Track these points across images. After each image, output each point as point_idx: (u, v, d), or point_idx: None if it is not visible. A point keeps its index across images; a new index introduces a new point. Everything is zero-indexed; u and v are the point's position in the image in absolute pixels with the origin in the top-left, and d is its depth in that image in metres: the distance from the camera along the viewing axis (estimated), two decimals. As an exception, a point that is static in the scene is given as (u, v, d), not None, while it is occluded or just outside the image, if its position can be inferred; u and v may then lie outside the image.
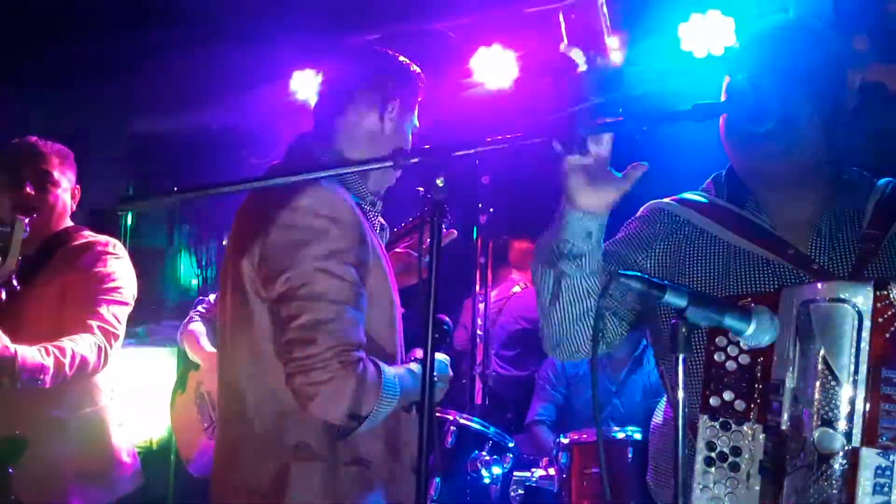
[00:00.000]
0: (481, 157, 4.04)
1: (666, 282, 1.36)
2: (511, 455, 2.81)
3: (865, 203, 1.61)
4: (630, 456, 2.64)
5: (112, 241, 2.62)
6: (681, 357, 1.29)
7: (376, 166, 1.63)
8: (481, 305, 4.87)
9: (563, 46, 1.40)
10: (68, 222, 2.65)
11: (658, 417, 1.78)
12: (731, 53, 1.72)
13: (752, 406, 1.35)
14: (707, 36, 3.84)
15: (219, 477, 1.82)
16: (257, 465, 1.72)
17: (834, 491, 1.21)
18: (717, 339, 1.39)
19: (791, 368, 1.31)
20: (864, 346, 1.23)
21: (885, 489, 1.20)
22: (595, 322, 1.54)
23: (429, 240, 1.34)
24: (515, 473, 2.89)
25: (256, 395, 1.74)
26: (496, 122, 4.07)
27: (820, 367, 1.26)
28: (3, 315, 2.25)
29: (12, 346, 2.22)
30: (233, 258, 1.79)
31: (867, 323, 1.23)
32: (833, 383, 1.24)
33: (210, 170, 5.29)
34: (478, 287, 5.00)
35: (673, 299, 1.32)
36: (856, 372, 1.23)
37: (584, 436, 2.75)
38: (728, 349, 1.38)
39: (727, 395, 1.37)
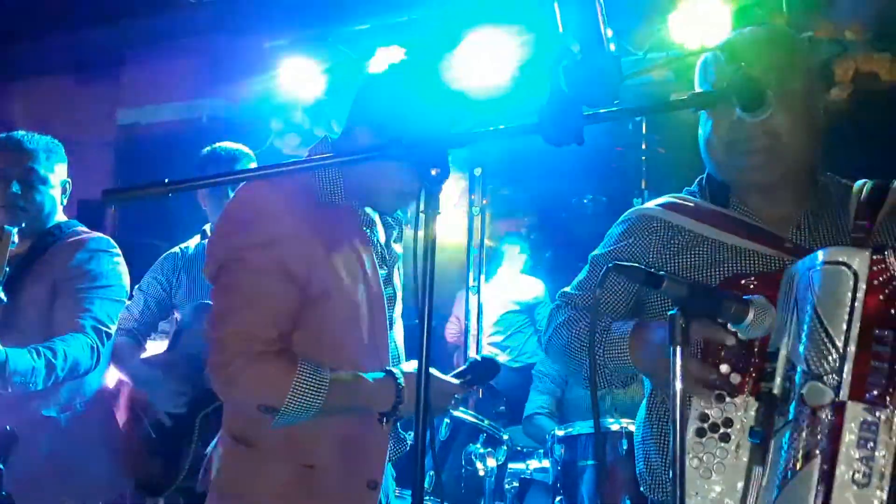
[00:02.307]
0: (474, 148, 4.03)
1: (663, 273, 1.36)
2: (505, 447, 2.80)
3: (842, 202, 1.67)
4: (625, 447, 2.63)
5: (104, 237, 2.58)
6: (678, 349, 1.29)
7: (367, 156, 1.59)
8: (475, 298, 4.86)
9: (557, 36, 1.38)
10: (61, 217, 2.61)
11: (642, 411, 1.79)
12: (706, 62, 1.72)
13: (748, 379, 1.39)
14: (700, 27, 3.84)
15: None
16: (220, 437, 1.77)
17: (820, 441, 1.23)
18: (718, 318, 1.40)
19: (787, 335, 1.34)
20: (858, 305, 1.27)
21: (870, 444, 1.22)
22: (592, 315, 1.53)
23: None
24: (510, 466, 2.88)
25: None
26: (490, 112, 4.06)
27: (814, 324, 1.29)
28: None
29: (2, 351, 2.19)
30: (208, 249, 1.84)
31: (862, 284, 1.27)
32: (825, 340, 1.27)
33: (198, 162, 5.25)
34: (471, 279, 5.00)
35: (672, 290, 1.32)
36: (848, 329, 1.26)
37: (579, 428, 2.74)
38: (728, 324, 1.39)
39: (724, 368, 1.40)
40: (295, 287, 1.65)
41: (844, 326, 1.26)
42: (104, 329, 2.44)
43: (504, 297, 5.41)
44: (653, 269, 1.35)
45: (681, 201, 1.74)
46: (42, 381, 2.25)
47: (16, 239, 2.19)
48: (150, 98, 5.42)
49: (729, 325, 1.39)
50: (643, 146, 4.61)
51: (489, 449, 2.75)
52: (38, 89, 5.09)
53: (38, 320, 2.39)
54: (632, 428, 2.61)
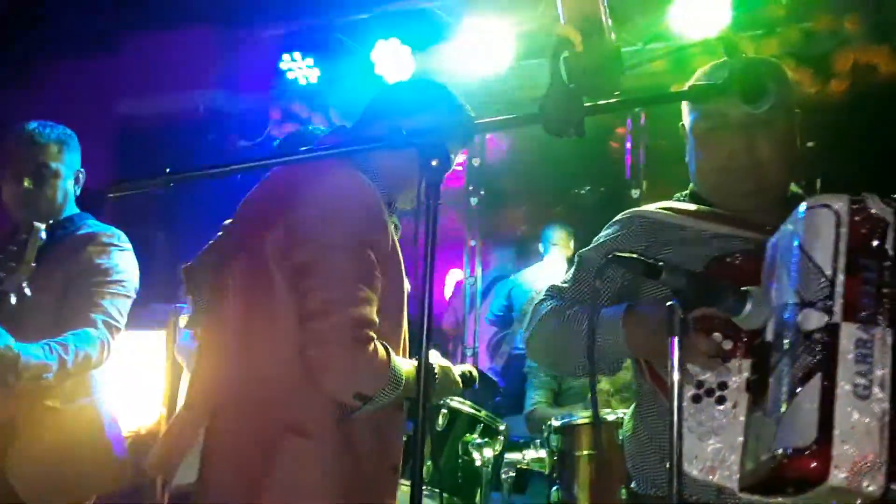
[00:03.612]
0: (471, 139, 4.02)
1: (662, 263, 1.37)
2: (502, 438, 2.81)
3: None
4: (620, 437, 2.64)
5: (116, 231, 2.57)
6: (676, 340, 1.29)
7: (368, 146, 1.61)
8: (471, 288, 4.87)
9: (558, 26, 1.38)
10: (73, 209, 2.59)
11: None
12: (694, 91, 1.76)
13: (739, 344, 1.42)
14: (700, 17, 3.83)
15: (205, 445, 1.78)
16: (249, 435, 1.71)
17: (819, 360, 1.26)
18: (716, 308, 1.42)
19: (776, 287, 1.38)
20: (843, 237, 1.31)
21: (868, 360, 1.25)
22: (591, 305, 1.54)
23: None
24: (507, 456, 2.88)
25: (263, 363, 1.74)
26: (491, 103, 4.07)
27: (802, 259, 1.33)
28: (9, 314, 2.22)
29: (15, 347, 2.19)
30: (250, 235, 1.80)
31: (845, 219, 1.32)
32: (814, 271, 1.31)
33: (196, 152, 5.25)
34: (469, 270, 5.01)
35: (670, 280, 1.33)
36: (835, 259, 1.30)
37: (575, 418, 2.75)
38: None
39: (715, 337, 1.42)
40: (380, 275, 1.72)
41: (831, 257, 1.30)
42: (114, 324, 2.43)
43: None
44: (651, 260, 1.36)
45: (671, 203, 1.79)
46: (53, 377, 2.25)
47: (43, 235, 2.19)
48: (147, 87, 5.40)
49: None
50: (642, 138, 4.61)
51: (486, 439, 2.75)
52: (36, 75, 5.07)
53: (50, 313, 2.38)
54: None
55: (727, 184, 1.72)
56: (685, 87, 1.74)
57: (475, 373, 2.08)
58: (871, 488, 1.20)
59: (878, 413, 1.23)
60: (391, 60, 4.60)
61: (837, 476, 1.19)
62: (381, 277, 1.72)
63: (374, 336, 1.68)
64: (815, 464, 1.20)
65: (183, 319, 3.27)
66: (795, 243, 1.35)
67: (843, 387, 1.23)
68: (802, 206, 1.37)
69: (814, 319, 1.28)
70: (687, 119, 1.78)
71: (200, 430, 1.77)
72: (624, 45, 3.88)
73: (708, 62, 1.79)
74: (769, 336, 1.37)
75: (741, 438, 1.38)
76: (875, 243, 1.31)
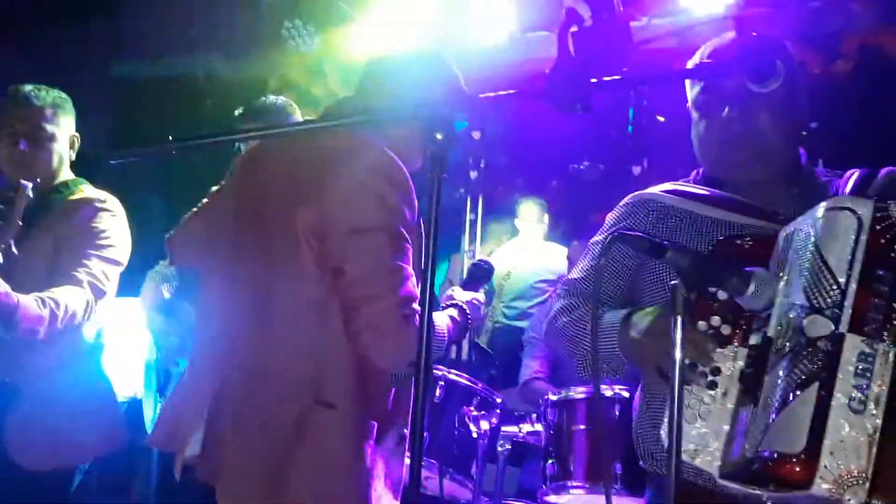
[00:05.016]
0: (472, 112, 4.00)
1: (667, 242, 1.37)
2: (498, 410, 2.83)
3: (828, 189, 1.71)
4: (617, 414, 2.66)
5: (109, 197, 2.57)
6: (679, 320, 1.30)
7: (373, 118, 1.59)
8: (469, 262, 4.86)
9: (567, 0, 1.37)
10: (67, 174, 2.59)
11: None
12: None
13: (738, 331, 1.41)
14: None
15: (221, 415, 1.78)
16: (275, 408, 1.74)
17: (818, 369, 1.25)
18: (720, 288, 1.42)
19: (785, 281, 1.36)
20: (861, 245, 1.30)
21: (867, 374, 1.25)
22: (595, 282, 1.54)
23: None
24: (503, 429, 2.90)
25: (286, 337, 1.77)
26: (494, 77, 4.02)
27: (815, 261, 1.31)
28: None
29: (14, 296, 2.20)
30: (275, 210, 1.81)
31: (866, 226, 1.30)
32: (827, 275, 1.30)
33: (194, 118, 5.20)
34: (467, 243, 5.00)
35: (675, 260, 1.33)
36: (850, 267, 1.29)
37: (573, 393, 2.77)
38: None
39: (714, 321, 1.42)
40: (412, 252, 1.78)
41: (846, 264, 1.29)
42: (99, 287, 2.43)
43: (532, 265, 5.18)
44: (656, 239, 1.35)
45: (677, 186, 1.78)
46: (44, 331, 2.26)
47: (30, 194, 2.21)
48: (145, 52, 5.34)
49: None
50: (644, 114, 4.58)
51: (483, 412, 2.76)
52: (33, 38, 5.00)
53: (41, 274, 2.39)
54: (625, 394, 2.63)
55: (725, 154, 1.70)
56: (692, 65, 1.74)
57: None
58: (851, 502, 1.21)
59: (870, 429, 1.23)
60: (390, 30, 4.55)
61: (821, 486, 1.21)
62: (410, 248, 1.78)
63: (417, 308, 1.73)
64: (800, 471, 1.22)
65: (164, 287, 3.24)
66: (811, 242, 1.34)
67: (839, 399, 1.23)
68: (823, 206, 1.35)
69: (820, 326, 1.27)
70: (690, 93, 1.77)
71: (205, 403, 1.78)
72: (631, 22, 3.84)
73: (714, 38, 1.78)
74: (770, 331, 1.36)
75: (727, 427, 1.39)
76: (893, 254, 1.30)
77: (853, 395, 1.24)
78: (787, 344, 1.31)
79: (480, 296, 2.22)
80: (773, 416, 1.27)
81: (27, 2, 4.90)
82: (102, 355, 2.58)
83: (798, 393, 1.25)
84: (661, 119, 4.67)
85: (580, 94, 1.41)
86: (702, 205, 1.69)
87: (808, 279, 1.31)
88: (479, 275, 2.32)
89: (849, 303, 1.27)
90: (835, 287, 1.29)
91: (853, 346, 1.26)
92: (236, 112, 3.13)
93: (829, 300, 1.28)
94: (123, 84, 5.43)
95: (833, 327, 1.27)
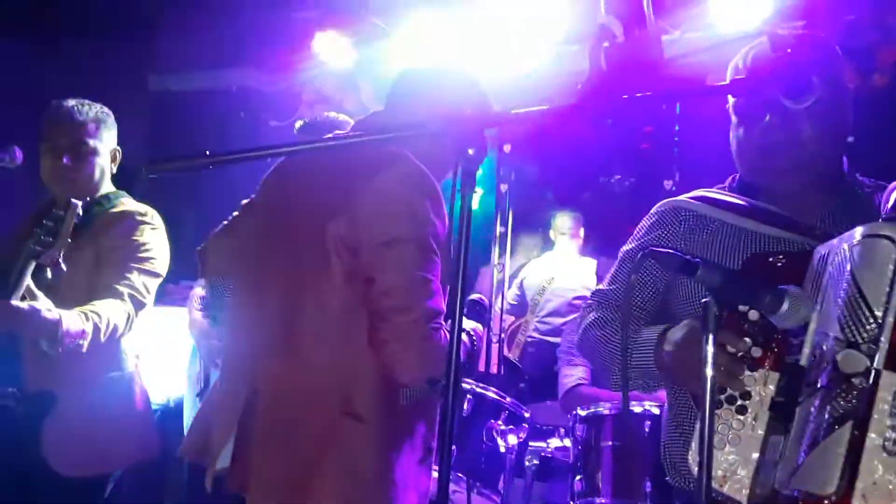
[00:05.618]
0: (504, 126, 4.00)
1: (698, 259, 1.36)
2: (526, 425, 2.82)
3: (871, 200, 1.67)
4: (647, 430, 2.63)
5: (150, 210, 2.61)
6: (710, 337, 1.28)
7: (405, 133, 1.60)
8: (499, 275, 4.85)
9: (600, 16, 1.36)
10: (109, 187, 2.64)
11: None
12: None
13: (769, 354, 1.38)
14: (740, 7, 3.76)
15: (251, 427, 1.80)
16: (303, 420, 1.75)
17: (852, 407, 1.22)
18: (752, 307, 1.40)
19: (818, 309, 1.33)
20: None
21: None
22: (626, 296, 1.53)
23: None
24: (531, 443, 2.89)
25: (314, 349, 1.77)
26: (527, 89, 4.00)
27: (852, 292, 1.27)
28: (45, 287, 2.27)
29: (56, 312, 2.24)
30: (306, 222, 1.82)
31: None
32: (863, 308, 1.25)
33: (227, 133, 5.27)
34: (497, 257, 4.98)
35: (707, 278, 1.32)
36: (888, 300, 1.24)
37: (602, 408, 2.75)
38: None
39: (745, 342, 1.39)
40: (440, 264, 1.79)
41: (884, 297, 1.25)
42: (140, 299, 2.47)
43: (569, 281, 5.14)
44: (688, 256, 1.34)
45: (710, 194, 1.75)
46: (87, 344, 2.30)
47: (80, 212, 2.25)
48: (181, 65, 5.43)
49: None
50: (675, 127, 4.55)
51: (510, 426, 2.76)
52: (71, 51, 5.11)
53: (83, 287, 2.42)
54: (655, 410, 2.61)
55: (762, 161, 1.67)
56: (728, 80, 1.72)
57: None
58: None
59: None
60: (425, 44, 4.57)
61: None
62: (439, 261, 1.78)
63: (443, 324, 1.74)
64: None
65: (196, 300, 3.30)
66: (848, 268, 1.30)
67: (873, 439, 1.20)
68: (860, 231, 1.32)
69: (854, 362, 1.24)
70: (730, 97, 1.74)
71: (236, 416, 1.79)
72: (663, 35, 3.81)
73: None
74: (803, 360, 1.33)
75: (755, 454, 1.36)
76: None
77: (887, 434, 1.20)
78: (821, 377, 1.28)
79: (479, 327, 2.25)
80: (805, 452, 1.25)
81: (67, 18, 5.00)
82: (139, 363, 2.61)
83: (831, 431, 1.22)
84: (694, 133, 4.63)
85: (611, 110, 1.41)
86: (736, 215, 1.67)
87: (844, 310, 1.27)
88: (476, 311, 2.37)
89: (886, 337, 1.23)
90: (871, 321, 1.24)
91: (889, 383, 1.22)
92: (296, 125, 3.20)
93: (864, 335, 1.24)
94: (159, 97, 5.52)
95: (868, 363, 1.23)
